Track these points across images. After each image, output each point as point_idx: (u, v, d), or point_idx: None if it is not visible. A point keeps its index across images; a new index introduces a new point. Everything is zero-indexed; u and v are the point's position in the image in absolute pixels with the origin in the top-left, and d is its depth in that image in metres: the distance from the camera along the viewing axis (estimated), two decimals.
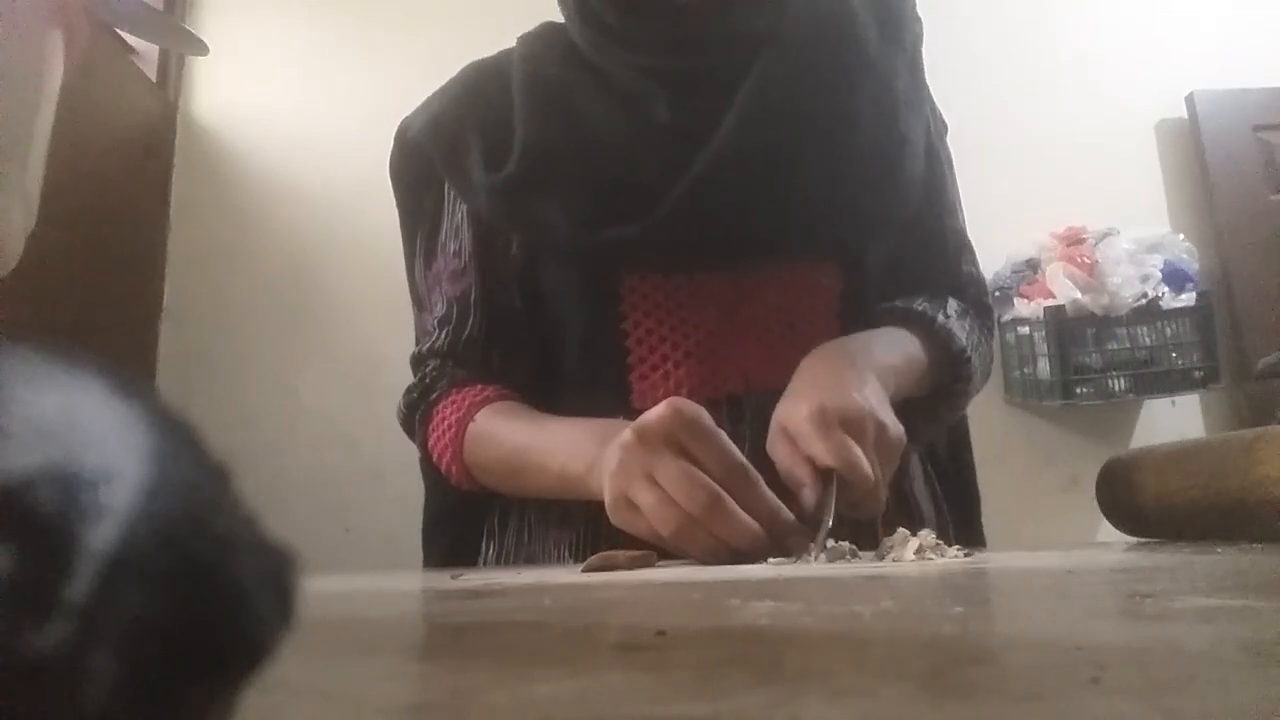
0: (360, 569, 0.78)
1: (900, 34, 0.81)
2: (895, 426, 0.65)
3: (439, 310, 0.82)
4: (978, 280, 0.87)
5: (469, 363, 0.80)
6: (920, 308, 0.78)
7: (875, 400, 0.64)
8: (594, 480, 0.63)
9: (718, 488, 0.55)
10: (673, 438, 0.57)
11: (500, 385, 0.78)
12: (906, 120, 0.78)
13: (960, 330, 0.78)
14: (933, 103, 0.88)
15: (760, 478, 0.58)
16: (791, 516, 0.57)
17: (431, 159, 0.81)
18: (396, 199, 0.87)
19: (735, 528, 0.54)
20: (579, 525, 0.72)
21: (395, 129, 0.87)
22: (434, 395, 0.79)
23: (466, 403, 0.76)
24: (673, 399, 0.58)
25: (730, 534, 0.54)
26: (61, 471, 0.11)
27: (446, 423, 0.77)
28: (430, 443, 0.78)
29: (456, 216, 0.82)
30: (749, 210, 0.73)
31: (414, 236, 0.85)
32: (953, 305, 0.80)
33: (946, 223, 0.85)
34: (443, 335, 0.81)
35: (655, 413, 0.58)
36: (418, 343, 0.84)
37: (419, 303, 0.86)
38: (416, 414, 0.80)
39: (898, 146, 0.77)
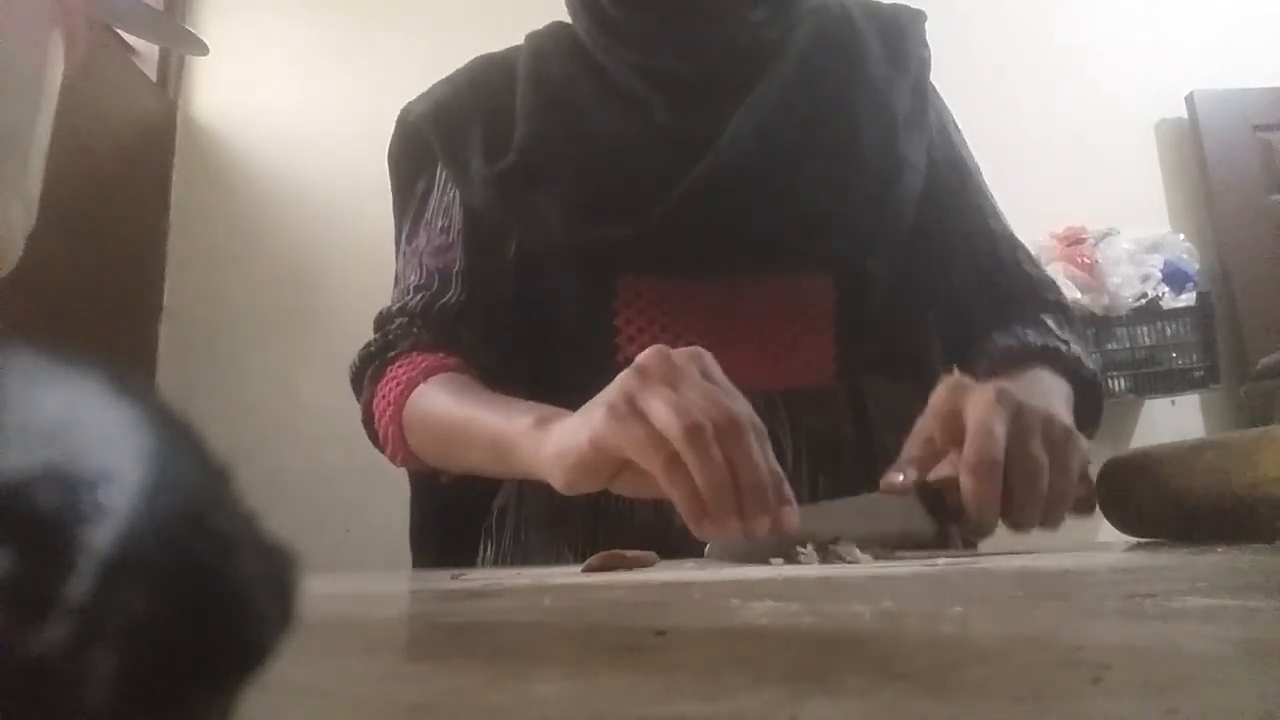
0: (360, 569, 0.78)
1: (904, 58, 0.82)
2: (1065, 420, 0.60)
3: (414, 279, 0.79)
4: (1048, 282, 0.84)
5: (438, 328, 0.76)
6: (1039, 342, 0.75)
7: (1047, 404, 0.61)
8: (524, 449, 0.61)
9: (743, 414, 0.52)
10: (701, 366, 0.54)
11: (464, 360, 0.75)
12: (906, 141, 0.78)
13: (1082, 353, 0.76)
14: (954, 119, 0.88)
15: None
16: (790, 495, 0.53)
17: (430, 144, 0.81)
18: (391, 183, 0.87)
19: (750, 453, 0.50)
20: (577, 525, 0.72)
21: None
22: (392, 353, 0.76)
23: (423, 364, 0.73)
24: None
25: (743, 457, 0.50)
26: (61, 471, 0.11)
27: (396, 381, 0.73)
28: (375, 401, 0.75)
29: (447, 198, 0.81)
30: (746, 218, 0.73)
31: (403, 221, 0.85)
32: (1050, 322, 0.78)
33: (993, 226, 0.83)
34: (417, 298, 0.78)
35: (683, 349, 0.56)
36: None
37: (397, 281, 0.84)
38: (369, 369, 0.77)
39: (895, 164, 0.77)
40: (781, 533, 0.52)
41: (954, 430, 0.57)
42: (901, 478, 0.58)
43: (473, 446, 0.67)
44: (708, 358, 0.55)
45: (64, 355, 0.13)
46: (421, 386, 0.72)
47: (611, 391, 0.54)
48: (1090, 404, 0.74)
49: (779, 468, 0.52)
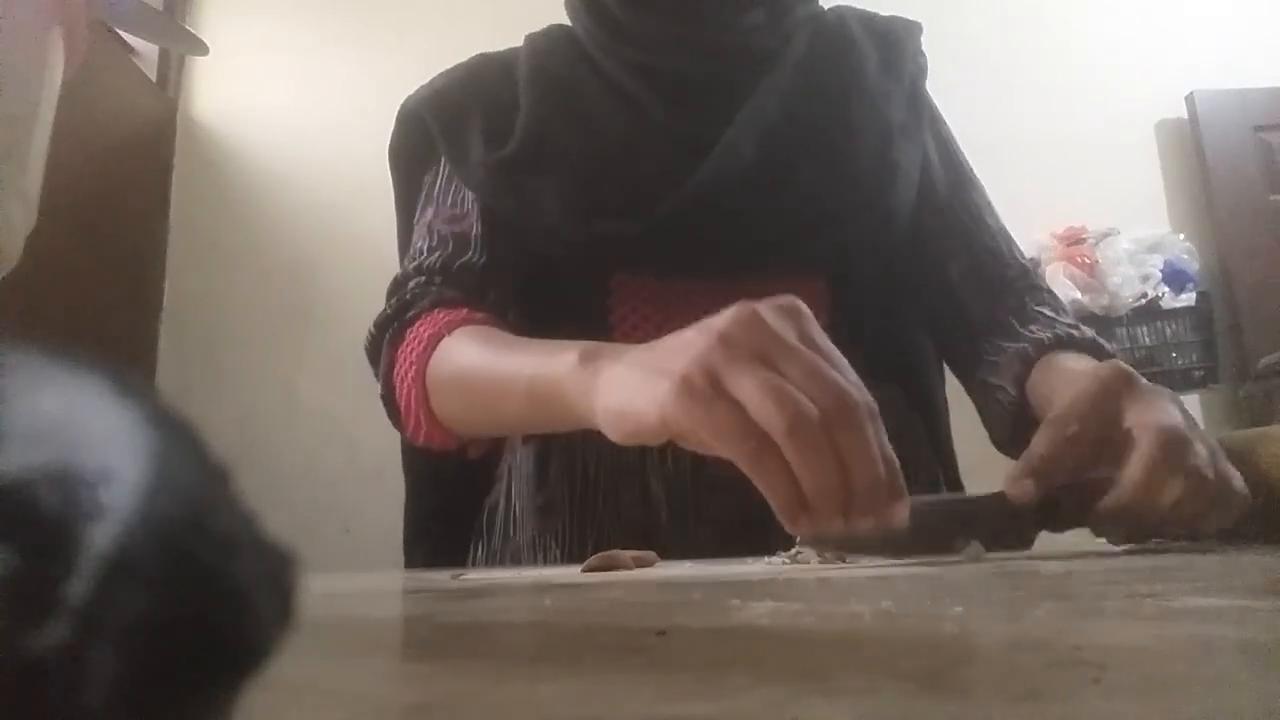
0: (360, 569, 0.78)
1: (899, 67, 0.83)
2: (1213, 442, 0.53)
3: (427, 244, 0.75)
4: (1037, 287, 0.81)
5: (461, 285, 0.71)
6: (1073, 333, 0.72)
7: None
8: (571, 391, 0.52)
9: (858, 396, 0.44)
10: (799, 328, 0.46)
11: (492, 316, 0.70)
12: (900, 149, 0.79)
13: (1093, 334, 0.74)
14: (949, 130, 0.88)
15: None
16: (904, 488, 0.45)
17: (430, 132, 0.80)
18: (393, 176, 0.86)
19: (867, 447, 0.42)
20: (564, 523, 0.72)
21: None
22: (411, 313, 0.69)
23: (445, 319, 0.67)
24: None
25: (859, 451, 0.42)
26: (61, 471, 0.11)
27: (418, 339, 0.67)
28: (395, 369, 0.68)
29: (455, 183, 0.79)
30: (743, 221, 0.73)
31: (409, 210, 0.83)
32: (1052, 312, 0.76)
33: (989, 245, 0.83)
34: (434, 257, 0.73)
35: (776, 302, 0.47)
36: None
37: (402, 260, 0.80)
38: (386, 334, 0.70)
39: (889, 172, 0.78)
40: (888, 529, 0.44)
41: (1106, 426, 0.51)
42: (1032, 484, 0.51)
43: (508, 396, 0.59)
44: (805, 315, 0.47)
45: (64, 355, 0.13)
46: (446, 340, 0.65)
47: (688, 361, 0.45)
48: None
49: (894, 456, 0.44)
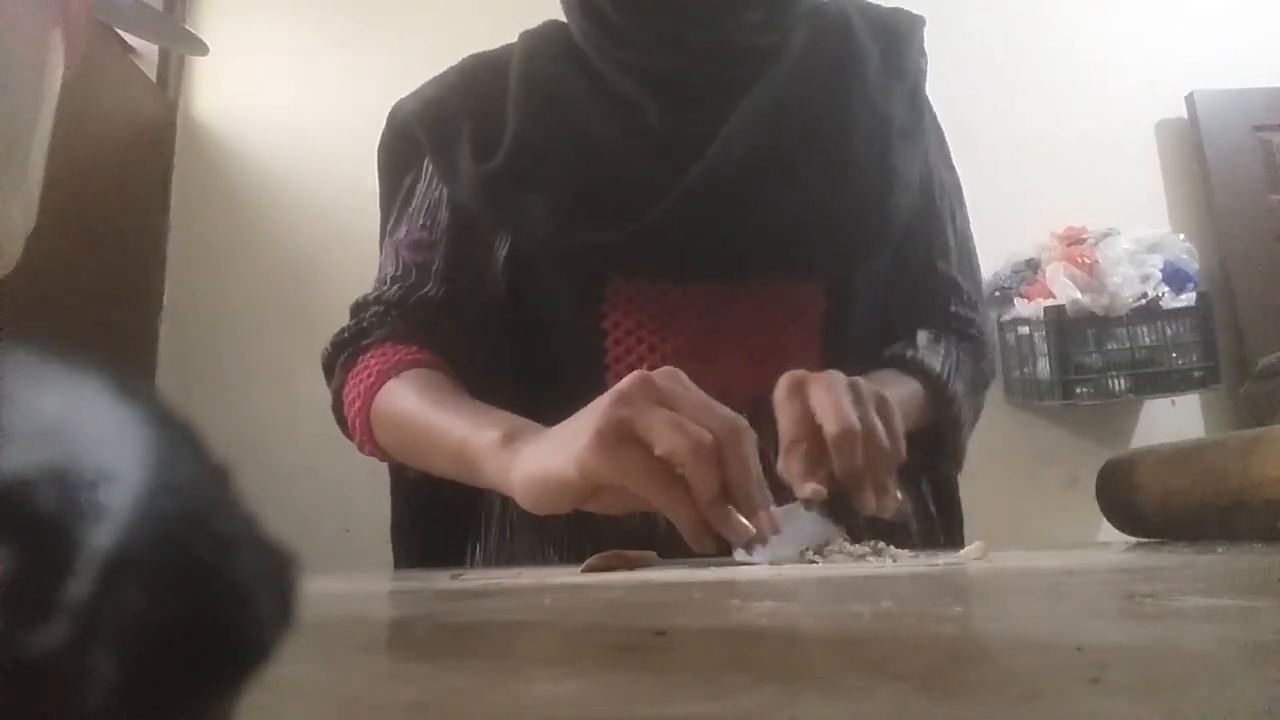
0: (360, 569, 0.78)
1: (901, 67, 0.82)
2: (889, 394, 0.63)
3: (391, 270, 0.79)
4: (964, 318, 0.83)
5: (414, 319, 0.76)
6: (891, 352, 0.77)
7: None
8: (491, 466, 0.61)
9: (742, 421, 0.53)
10: (681, 383, 0.55)
11: (438, 355, 0.75)
12: (899, 152, 0.78)
13: (934, 357, 0.76)
14: (940, 133, 0.88)
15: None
16: (769, 497, 0.55)
17: (418, 141, 0.81)
18: (379, 177, 0.87)
19: (747, 460, 0.52)
20: (562, 526, 0.71)
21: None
22: (366, 341, 0.75)
23: (396, 357, 0.73)
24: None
25: (740, 464, 0.51)
26: (61, 471, 0.11)
27: (368, 371, 0.73)
28: (345, 390, 0.75)
29: (432, 195, 0.81)
30: (737, 225, 0.72)
31: (389, 215, 0.85)
32: (922, 337, 0.78)
33: (939, 267, 0.83)
34: (394, 288, 0.78)
35: (658, 370, 0.56)
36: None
37: (379, 272, 0.84)
38: (341, 356, 0.76)
39: (887, 176, 0.77)
40: (762, 534, 0.53)
41: (809, 423, 0.60)
42: (814, 486, 0.58)
43: (438, 453, 0.66)
44: (683, 375, 0.55)
45: (64, 355, 0.13)
46: (392, 382, 0.71)
47: (597, 419, 0.53)
48: (941, 405, 0.75)
49: (761, 475, 0.54)
